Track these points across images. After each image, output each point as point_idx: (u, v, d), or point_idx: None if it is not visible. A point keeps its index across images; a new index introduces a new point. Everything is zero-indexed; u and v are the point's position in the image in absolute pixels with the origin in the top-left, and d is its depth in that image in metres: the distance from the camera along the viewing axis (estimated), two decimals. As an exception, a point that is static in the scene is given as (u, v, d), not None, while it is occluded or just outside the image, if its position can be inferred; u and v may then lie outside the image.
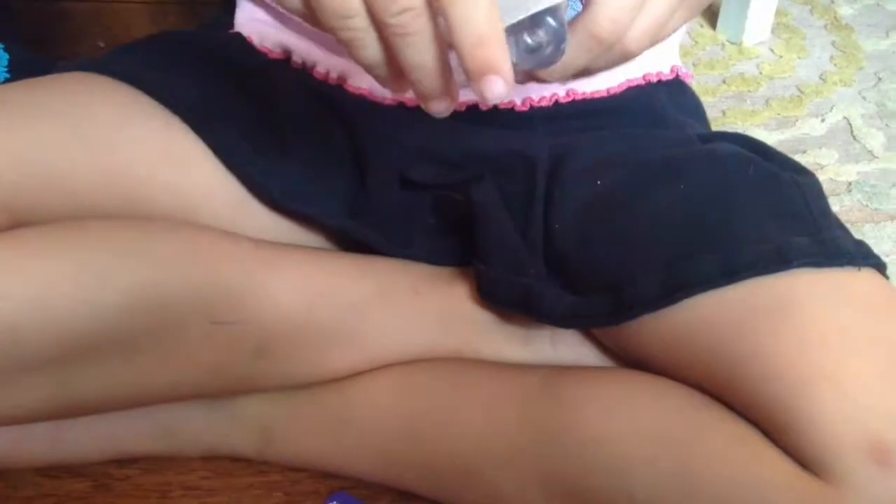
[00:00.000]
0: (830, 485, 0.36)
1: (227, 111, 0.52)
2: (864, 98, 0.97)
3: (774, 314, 0.41)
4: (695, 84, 0.60)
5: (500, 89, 0.30)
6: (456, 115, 0.53)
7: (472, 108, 0.54)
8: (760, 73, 1.02)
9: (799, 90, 0.98)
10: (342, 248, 0.55)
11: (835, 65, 1.03)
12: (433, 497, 0.50)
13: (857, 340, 0.39)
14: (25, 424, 0.50)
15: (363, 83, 0.55)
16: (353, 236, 0.53)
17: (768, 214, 0.45)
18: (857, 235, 0.46)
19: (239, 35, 0.58)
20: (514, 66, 0.32)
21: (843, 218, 0.48)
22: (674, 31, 0.36)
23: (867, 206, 0.80)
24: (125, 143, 0.48)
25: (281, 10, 0.33)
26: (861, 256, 0.43)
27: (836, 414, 0.37)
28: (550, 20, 0.32)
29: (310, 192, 0.52)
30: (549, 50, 0.32)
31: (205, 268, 0.46)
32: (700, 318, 0.43)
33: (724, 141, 0.52)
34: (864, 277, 0.43)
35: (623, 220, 0.48)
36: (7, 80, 0.75)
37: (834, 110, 0.94)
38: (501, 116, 0.54)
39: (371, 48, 0.32)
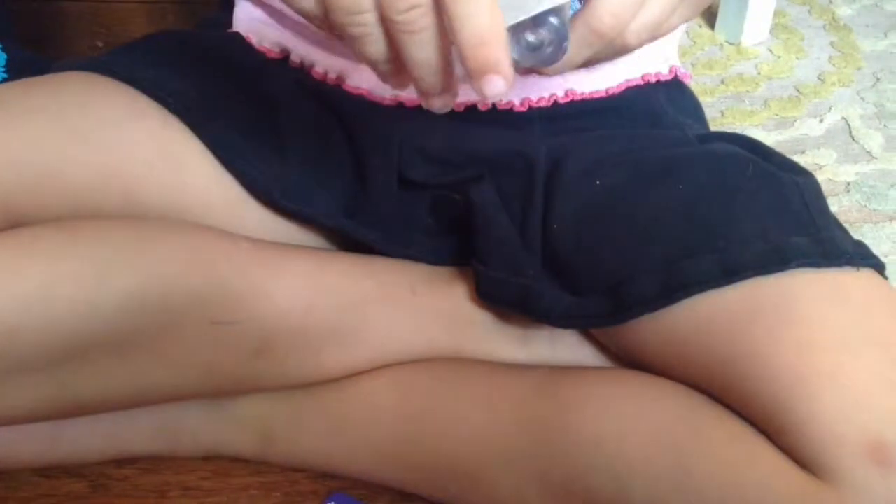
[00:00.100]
0: (829, 484, 0.36)
1: (225, 110, 0.52)
2: (862, 98, 0.97)
3: (773, 314, 0.41)
4: (693, 84, 0.61)
5: (500, 87, 0.30)
6: (454, 115, 0.54)
7: (471, 108, 0.54)
8: (759, 73, 1.02)
9: (797, 90, 0.98)
10: (341, 248, 0.55)
11: (833, 65, 1.03)
12: (432, 497, 0.50)
13: (855, 340, 0.39)
14: (24, 425, 0.50)
15: (362, 83, 0.55)
16: (351, 236, 0.52)
17: (767, 214, 0.45)
18: (856, 236, 0.46)
19: (237, 34, 0.58)
20: (516, 63, 0.32)
21: (841, 218, 0.48)
22: (675, 27, 0.37)
23: (865, 206, 0.80)
24: (123, 142, 0.48)
25: (289, 11, 0.33)
26: (860, 257, 0.44)
27: (835, 414, 0.37)
28: (553, 19, 0.32)
29: (308, 191, 0.52)
30: (550, 49, 0.33)
31: (203, 268, 0.46)
32: (699, 318, 0.43)
33: (723, 141, 0.52)
34: (862, 278, 0.43)
35: (622, 221, 0.48)
36: (4, 80, 0.75)
37: (832, 111, 0.95)
38: (500, 116, 0.54)
39: (377, 44, 0.33)
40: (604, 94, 0.55)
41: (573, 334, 0.51)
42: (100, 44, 0.96)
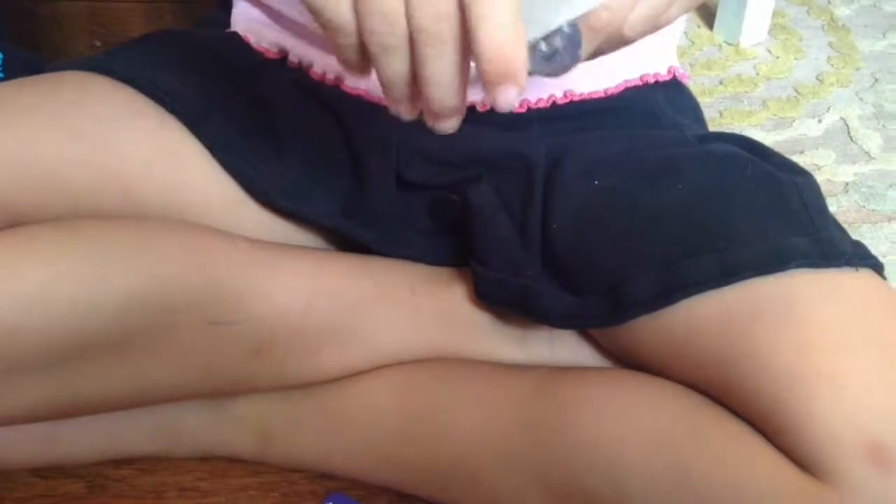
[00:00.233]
0: (828, 485, 0.36)
1: (223, 110, 0.52)
2: (861, 99, 0.97)
3: (772, 314, 0.41)
4: (692, 85, 0.61)
5: (513, 97, 0.31)
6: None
7: (470, 110, 0.53)
8: (757, 73, 1.02)
9: (796, 91, 0.98)
10: (339, 249, 0.55)
11: (832, 66, 1.03)
12: (431, 498, 0.50)
13: (854, 341, 0.39)
14: (21, 424, 0.50)
15: (360, 83, 0.55)
16: (349, 236, 0.52)
17: (766, 215, 0.45)
18: (854, 236, 0.46)
19: (235, 34, 0.58)
20: (530, 73, 0.32)
21: (840, 219, 0.48)
22: (674, 19, 0.36)
23: (864, 206, 0.80)
24: (120, 142, 0.48)
25: (316, 23, 0.33)
26: (858, 257, 0.44)
27: (834, 414, 0.37)
28: (566, 28, 0.32)
29: (306, 191, 0.52)
30: (564, 58, 0.33)
31: (201, 268, 0.46)
32: (697, 318, 0.43)
33: (722, 141, 0.52)
34: (861, 278, 0.43)
35: (621, 221, 0.48)
36: (2, 80, 0.75)
37: (831, 111, 0.95)
38: (499, 118, 0.53)
39: (403, 61, 0.32)
40: (602, 95, 0.55)
41: (572, 335, 0.51)
42: (98, 43, 0.95)
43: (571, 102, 0.54)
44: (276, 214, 0.52)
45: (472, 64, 0.32)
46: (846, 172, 0.85)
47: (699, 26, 1.11)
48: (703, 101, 0.90)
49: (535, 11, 0.31)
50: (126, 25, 0.96)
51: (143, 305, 0.43)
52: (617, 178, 0.50)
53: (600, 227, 0.48)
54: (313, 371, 0.50)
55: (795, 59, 1.05)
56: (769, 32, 1.09)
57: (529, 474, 0.45)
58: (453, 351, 0.51)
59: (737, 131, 0.85)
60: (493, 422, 0.47)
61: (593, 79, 0.55)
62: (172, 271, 0.45)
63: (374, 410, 0.50)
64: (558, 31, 0.32)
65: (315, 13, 0.33)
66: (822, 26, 1.12)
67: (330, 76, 0.56)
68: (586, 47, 0.34)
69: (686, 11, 0.38)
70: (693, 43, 1.08)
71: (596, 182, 0.50)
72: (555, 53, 0.32)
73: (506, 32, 0.29)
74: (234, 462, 0.54)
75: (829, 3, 1.18)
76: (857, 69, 1.03)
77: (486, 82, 0.30)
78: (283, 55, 0.57)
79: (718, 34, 1.09)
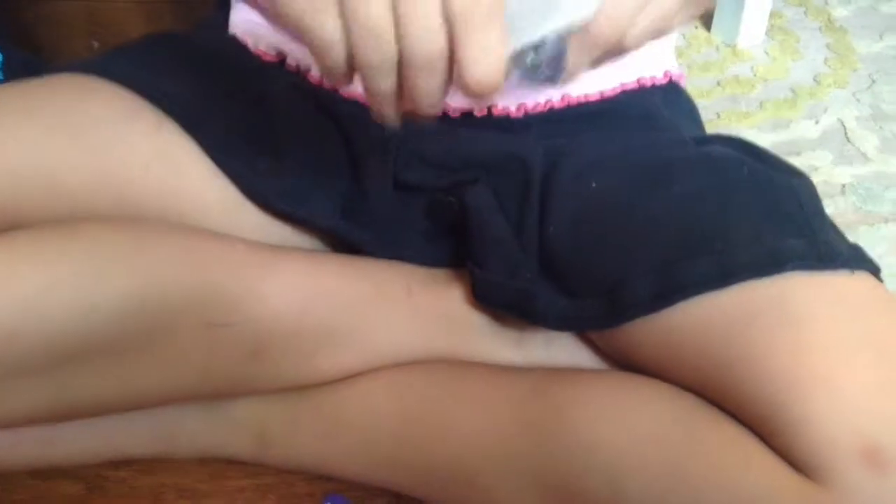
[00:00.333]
0: (823, 487, 0.36)
1: (221, 113, 0.52)
2: (858, 100, 0.97)
3: (768, 317, 0.41)
4: (689, 86, 0.61)
5: (486, 104, 0.32)
6: (450, 120, 0.54)
7: (467, 114, 0.54)
8: (755, 75, 1.02)
9: (793, 92, 0.98)
10: (337, 251, 0.55)
11: (829, 67, 1.03)
12: (428, 499, 0.50)
13: (850, 343, 0.39)
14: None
15: (357, 87, 0.55)
16: (347, 238, 0.52)
17: (762, 217, 0.45)
18: (852, 237, 0.46)
19: (234, 37, 0.58)
20: (519, 82, 0.33)
21: (837, 220, 0.48)
22: (675, 29, 0.37)
23: (861, 207, 0.81)
24: (118, 144, 0.48)
25: (302, 40, 0.34)
26: (855, 259, 0.44)
27: (829, 416, 0.37)
28: (552, 37, 0.32)
29: (304, 194, 0.52)
30: (550, 69, 0.33)
31: (199, 270, 0.46)
32: (694, 320, 0.43)
33: (718, 143, 0.52)
34: (857, 280, 0.43)
35: (617, 223, 0.48)
36: (1, 81, 0.75)
37: (828, 112, 0.95)
38: (496, 121, 0.54)
39: (392, 75, 0.33)
40: (598, 98, 0.55)
41: (569, 337, 0.51)
42: (96, 44, 0.95)
43: (568, 106, 0.54)
44: (273, 217, 0.52)
45: None
46: (843, 174, 0.85)
47: (696, 27, 1.11)
48: (701, 102, 0.91)
49: (520, 19, 0.32)
50: (125, 26, 0.96)
51: (141, 307, 0.43)
52: (614, 181, 0.50)
53: (597, 230, 0.48)
54: (311, 372, 0.50)
55: (793, 60, 1.05)
56: (766, 34, 1.09)
57: (527, 476, 0.45)
58: (450, 352, 0.51)
59: (734, 132, 0.85)
60: (491, 424, 0.47)
61: (590, 82, 0.55)
62: (171, 273, 0.45)
63: (371, 412, 0.50)
64: (546, 42, 0.32)
65: (302, 33, 0.33)
66: (820, 27, 1.12)
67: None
68: (585, 59, 0.34)
69: (688, 22, 0.38)
70: (690, 44, 1.08)
71: (593, 184, 0.50)
72: (540, 65, 0.33)
73: (489, 56, 0.31)
74: (232, 464, 0.54)
75: (827, 4, 1.18)
76: (855, 70, 1.03)
77: (468, 94, 0.32)
78: (282, 58, 0.57)
79: (716, 35, 1.09)
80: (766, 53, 1.06)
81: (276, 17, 0.34)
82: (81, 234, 0.44)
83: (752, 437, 0.40)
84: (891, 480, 0.35)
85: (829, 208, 0.71)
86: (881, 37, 1.10)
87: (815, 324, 0.40)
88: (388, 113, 0.36)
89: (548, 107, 0.54)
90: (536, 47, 0.32)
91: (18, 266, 0.41)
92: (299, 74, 0.56)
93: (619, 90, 0.56)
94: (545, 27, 0.32)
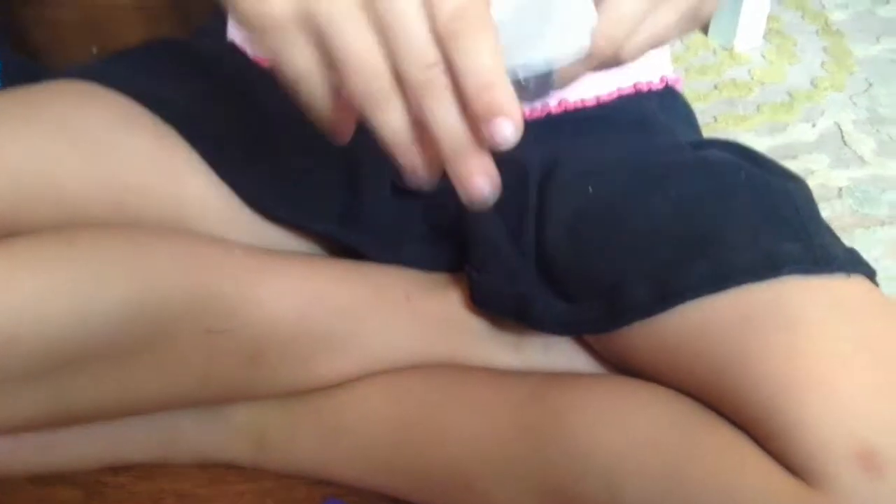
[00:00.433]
0: (818, 490, 0.36)
1: (219, 120, 0.52)
2: (854, 104, 0.97)
3: (764, 320, 0.41)
4: (686, 90, 0.61)
5: (509, 131, 0.31)
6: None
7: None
8: (752, 78, 1.02)
9: (790, 96, 0.99)
10: (335, 256, 0.55)
11: (826, 70, 1.04)
12: (426, 504, 0.50)
13: (845, 347, 0.40)
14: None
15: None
16: (345, 243, 0.53)
17: (759, 221, 0.45)
18: (848, 240, 0.47)
19: (232, 44, 0.58)
20: None
21: (833, 223, 0.48)
22: (671, 40, 0.37)
23: (858, 211, 0.81)
24: (117, 151, 0.48)
25: (287, 81, 0.33)
26: (850, 263, 0.44)
27: (825, 420, 0.37)
28: (539, 60, 0.33)
29: (302, 199, 0.52)
30: (537, 89, 0.33)
31: (197, 276, 0.46)
32: (691, 324, 0.43)
33: (715, 148, 0.53)
34: (853, 284, 0.43)
35: (615, 227, 0.48)
36: (0, 88, 0.75)
37: (825, 116, 0.95)
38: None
39: (397, 109, 0.32)
40: (595, 103, 0.56)
41: (567, 341, 0.51)
42: (95, 50, 0.96)
43: (565, 111, 0.55)
44: (271, 222, 0.52)
45: None
46: (840, 177, 0.85)
47: (694, 31, 1.11)
48: (698, 105, 0.91)
49: (512, 45, 0.32)
50: (124, 33, 0.96)
51: (140, 313, 0.43)
52: (611, 185, 0.50)
53: (595, 234, 0.48)
54: (309, 377, 0.50)
55: (790, 63, 1.05)
56: (764, 37, 1.10)
57: (525, 480, 0.45)
58: (448, 357, 0.52)
59: (731, 136, 0.85)
60: (489, 428, 0.47)
61: (586, 87, 0.55)
62: (169, 279, 0.45)
63: (369, 417, 0.50)
64: (529, 64, 0.32)
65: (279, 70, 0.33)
66: (817, 31, 1.12)
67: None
68: (581, 71, 0.34)
69: (686, 33, 0.38)
70: (688, 48, 1.08)
71: (590, 189, 0.50)
72: (527, 85, 0.33)
73: (483, 59, 0.30)
74: (231, 468, 0.54)
75: (824, 8, 1.18)
76: (851, 74, 1.03)
77: (477, 117, 0.31)
78: (279, 64, 0.57)
79: (713, 39, 1.09)
80: (763, 57, 1.06)
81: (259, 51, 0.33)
82: (80, 239, 0.44)
83: (749, 441, 0.40)
84: (886, 483, 0.36)
85: (826, 211, 0.71)
86: (878, 40, 1.11)
87: (811, 327, 0.40)
88: (415, 163, 0.34)
89: (545, 112, 0.54)
90: (524, 66, 0.32)
91: (17, 272, 0.41)
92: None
93: (615, 95, 0.56)
94: (530, 56, 0.32)
